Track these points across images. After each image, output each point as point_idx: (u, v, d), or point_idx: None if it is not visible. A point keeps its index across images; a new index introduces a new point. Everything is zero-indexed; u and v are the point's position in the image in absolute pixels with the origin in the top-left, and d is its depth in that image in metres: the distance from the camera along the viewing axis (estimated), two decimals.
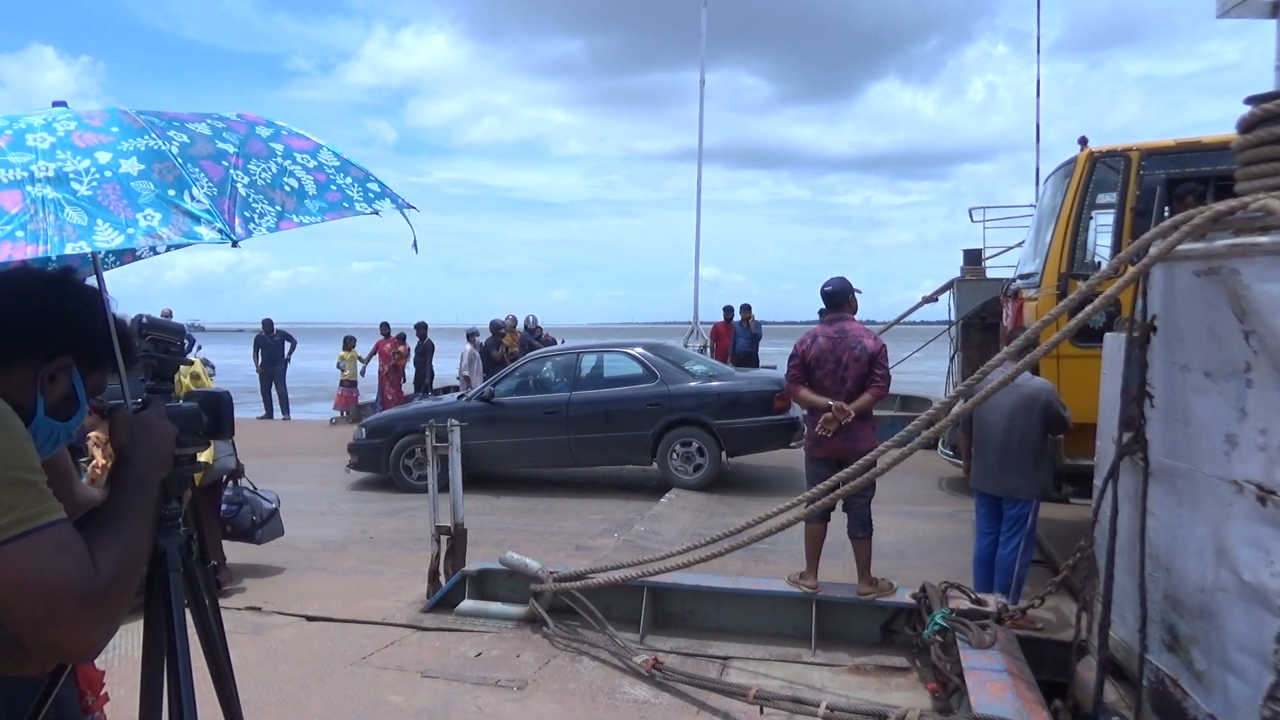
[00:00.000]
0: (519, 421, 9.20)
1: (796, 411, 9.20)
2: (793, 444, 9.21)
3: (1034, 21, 12.35)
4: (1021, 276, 7.27)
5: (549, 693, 4.09)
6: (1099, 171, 6.14)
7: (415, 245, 1.84)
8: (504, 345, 14.47)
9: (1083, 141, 6.30)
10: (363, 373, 15.51)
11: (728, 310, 15.08)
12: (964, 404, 4.00)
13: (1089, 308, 3.33)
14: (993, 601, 4.38)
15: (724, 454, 8.94)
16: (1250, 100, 2.94)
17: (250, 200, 1.50)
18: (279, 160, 1.64)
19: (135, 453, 1.46)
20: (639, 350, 9.54)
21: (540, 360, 10.07)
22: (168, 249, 1.84)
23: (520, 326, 16.18)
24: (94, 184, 1.37)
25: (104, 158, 1.40)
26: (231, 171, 1.52)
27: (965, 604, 4.28)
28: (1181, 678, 3.02)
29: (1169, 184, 5.73)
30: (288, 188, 1.59)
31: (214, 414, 1.77)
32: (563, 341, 15.42)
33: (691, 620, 4.91)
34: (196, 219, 1.39)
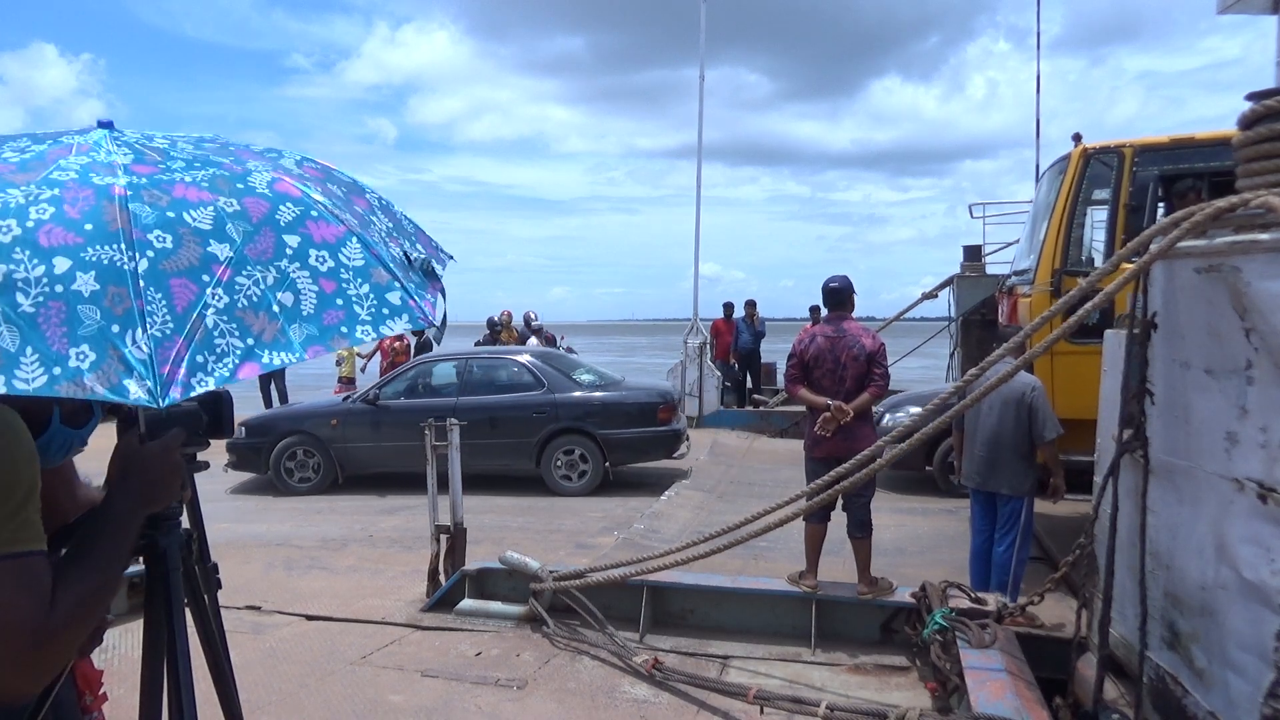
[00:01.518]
0: (403, 425, 8.90)
1: (680, 424, 9.58)
2: (674, 455, 9.52)
3: (1034, 18, 12.37)
4: (1017, 273, 7.27)
5: (549, 692, 4.09)
6: (1093, 168, 6.14)
7: (438, 338, 1.63)
8: (501, 342, 14.43)
9: (1077, 138, 6.30)
10: (363, 369, 15.48)
11: (728, 307, 14.98)
12: (960, 401, 4.00)
13: (1089, 304, 3.32)
14: (992, 600, 4.38)
15: (607, 463, 9.06)
16: (1251, 97, 2.94)
17: (214, 337, 1.27)
18: (284, 263, 1.39)
19: (119, 491, 1.36)
20: (527, 358, 9.67)
21: (429, 364, 10.07)
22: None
23: (519, 322, 16.13)
24: (39, 298, 1.17)
25: (61, 266, 1.20)
26: (207, 292, 1.29)
27: (965, 603, 4.28)
28: (1182, 675, 3.02)
29: (1162, 180, 5.75)
30: (277, 307, 1.35)
31: (214, 413, 1.76)
32: (563, 338, 15.37)
33: (691, 619, 4.91)
34: (129, 370, 1.18)
